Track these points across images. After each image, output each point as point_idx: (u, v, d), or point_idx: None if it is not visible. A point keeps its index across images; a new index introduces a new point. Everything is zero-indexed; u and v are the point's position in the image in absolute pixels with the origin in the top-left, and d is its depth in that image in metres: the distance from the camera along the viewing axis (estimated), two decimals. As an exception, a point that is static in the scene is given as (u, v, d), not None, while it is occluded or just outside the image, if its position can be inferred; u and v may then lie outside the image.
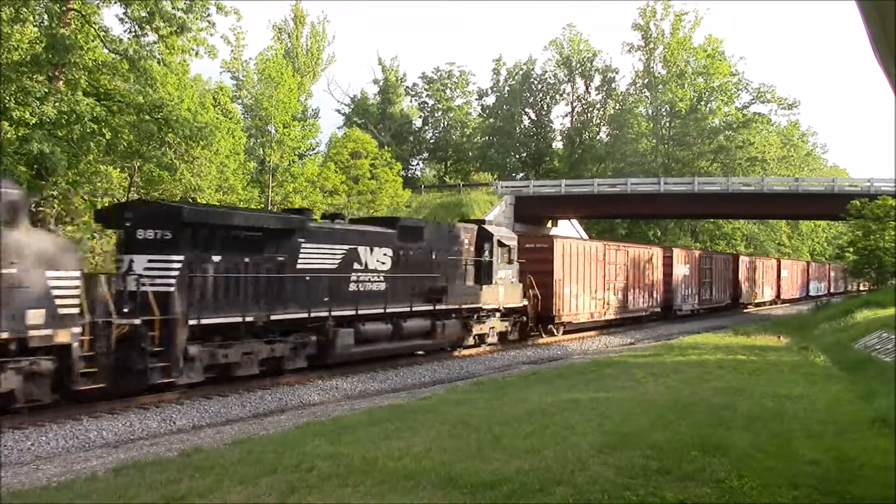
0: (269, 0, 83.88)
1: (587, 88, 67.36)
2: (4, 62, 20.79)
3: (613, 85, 66.40)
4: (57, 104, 20.63)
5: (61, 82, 21.88)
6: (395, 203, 43.27)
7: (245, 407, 12.84)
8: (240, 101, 40.96)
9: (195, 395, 12.85)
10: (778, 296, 50.19)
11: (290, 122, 38.58)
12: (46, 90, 20.68)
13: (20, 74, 20.67)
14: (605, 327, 27.82)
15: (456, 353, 19.66)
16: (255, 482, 6.59)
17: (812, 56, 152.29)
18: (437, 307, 18.04)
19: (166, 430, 11.17)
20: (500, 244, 20.35)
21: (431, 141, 67.62)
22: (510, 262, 20.84)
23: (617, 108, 66.19)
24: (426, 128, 67.40)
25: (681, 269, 33.53)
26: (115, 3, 22.75)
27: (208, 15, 23.87)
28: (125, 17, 22.82)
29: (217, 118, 30.22)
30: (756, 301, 45.48)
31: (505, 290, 20.53)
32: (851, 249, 36.36)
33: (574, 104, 67.60)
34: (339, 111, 67.05)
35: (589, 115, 67.44)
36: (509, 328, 21.49)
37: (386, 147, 49.63)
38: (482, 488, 6.28)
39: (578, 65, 65.46)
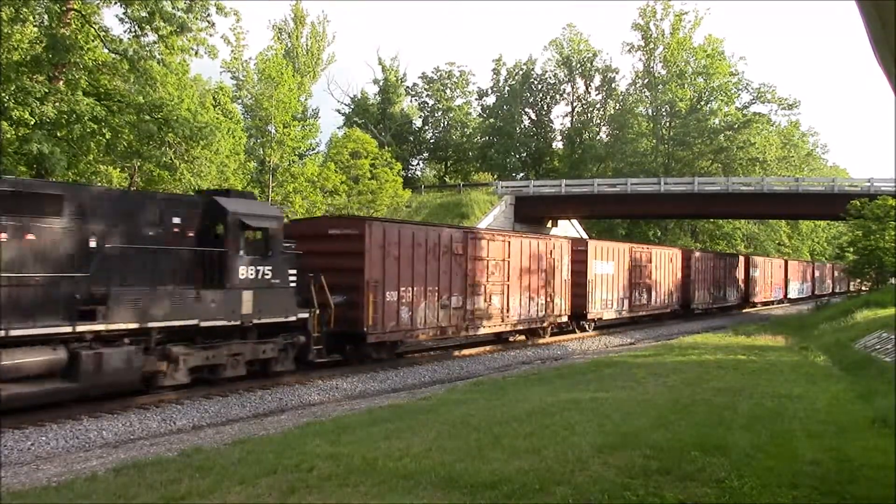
0: (269, 0, 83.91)
1: (587, 88, 67.57)
2: (4, 62, 20.79)
3: (613, 85, 66.57)
4: (57, 104, 20.64)
5: (61, 82, 21.89)
6: (396, 203, 43.30)
7: (245, 407, 12.84)
8: (240, 101, 40.99)
9: (195, 395, 12.85)
10: (746, 299, 43.23)
11: (290, 122, 38.60)
12: (46, 90, 20.69)
13: (20, 74, 20.67)
14: (467, 346, 21.41)
15: (456, 353, 19.64)
16: (255, 482, 6.59)
17: (812, 56, 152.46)
18: (85, 328, 10.92)
19: (166, 430, 11.18)
20: (245, 226, 13.51)
21: (431, 141, 67.67)
22: (268, 253, 13.91)
23: (617, 108, 66.28)
24: (426, 128, 67.48)
25: (601, 267, 26.48)
26: (115, 3, 22.76)
27: (208, 15, 23.89)
28: (125, 17, 22.83)
29: (217, 118, 30.23)
30: (715, 306, 38.59)
31: (255, 296, 13.60)
32: (851, 249, 36.37)
33: (574, 104, 67.75)
34: (339, 111, 67.22)
35: (589, 115, 67.53)
36: (275, 354, 14.41)
37: (386, 147, 49.65)
38: (482, 488, 6.28)
39: (578, 65, 65.55)
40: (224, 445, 8.71)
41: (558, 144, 68.30)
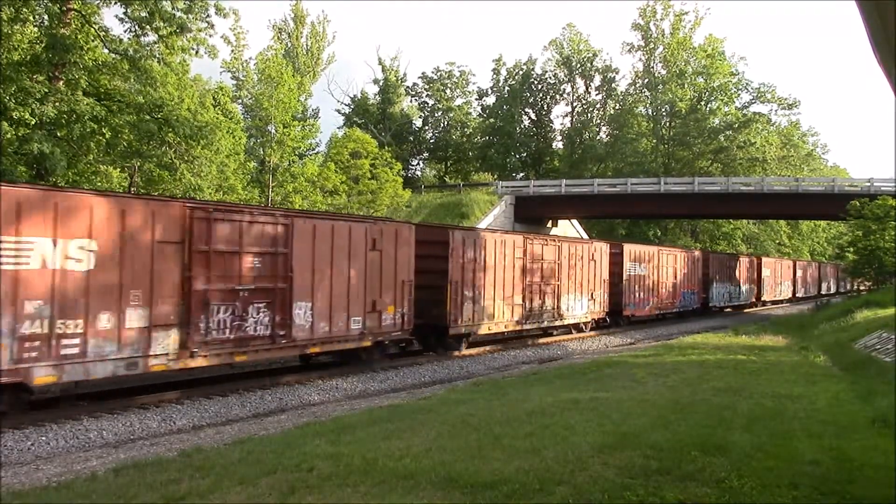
0: (269, 0, 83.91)
1: (587, 88, 67.57)
2: (4, 62, 20.80)
3: (613, 85, 66.55)
4: (57, 104, 20.65)
5: (61, 82, 21.90)
6: (395, 203, 43.29)
7: (245, 407, 12.84)
8: (240, 101, 40.98)
9: (195, 395, 12.86)
10: (619, 311, 28.07)
11: (290, 122, 38.60)
12: (46, 90, 20.70)
13: (20, 74, 20.68)
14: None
15: (456, 353, 19.64)
16: (255, 482, 6.59)
17: (812, 56, 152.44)
18: None
19: (166, 430, 11.17)
20: None
21: (431, 141, 67.67)
22: None
23: (617, 108, 66.28)
24: (426, 128, 67.47)
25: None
26: (115, 3, 22.79)
27: (207, 16, 23.92)
28: (125, 17, 22.85)
29: (217, 118, 30.23)
30: (518, 326, 21.75)
31: None
32: (851, 249, 36.37)
33: (574, 104, 67.75)
34: (339, 111, 67.27)
35: (589, 115, 67.52)
36: None
37: (386, 147, 49.63)
38: (482, 488, 6.28)
39: (578, 65, 65.55)
40: (224, 445, 8.70)
41: (558, 144, 68.36)
